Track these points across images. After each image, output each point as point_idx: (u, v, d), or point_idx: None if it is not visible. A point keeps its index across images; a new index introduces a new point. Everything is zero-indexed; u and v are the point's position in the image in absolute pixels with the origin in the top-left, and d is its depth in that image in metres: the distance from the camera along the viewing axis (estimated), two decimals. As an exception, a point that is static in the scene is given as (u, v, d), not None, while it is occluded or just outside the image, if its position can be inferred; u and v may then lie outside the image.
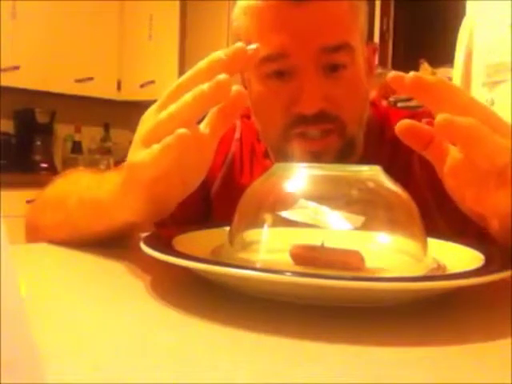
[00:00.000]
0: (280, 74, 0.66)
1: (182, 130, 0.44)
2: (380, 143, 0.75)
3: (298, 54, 0.64)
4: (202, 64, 0.47)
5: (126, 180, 0.50)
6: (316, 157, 0.66)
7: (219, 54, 0.46)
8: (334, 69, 0.65)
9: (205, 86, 0.44)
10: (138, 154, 0.48)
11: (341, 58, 0.65)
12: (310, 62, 0.64)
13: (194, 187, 0.52)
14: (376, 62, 0.76)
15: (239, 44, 0.47)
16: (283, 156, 0.69)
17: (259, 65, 0.66)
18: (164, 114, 0.46)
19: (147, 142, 0.47)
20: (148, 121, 0.48)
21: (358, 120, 0.69)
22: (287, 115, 0.66)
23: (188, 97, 0.45)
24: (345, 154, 0.68)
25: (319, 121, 0.65)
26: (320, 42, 0.64)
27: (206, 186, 0.53)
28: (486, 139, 0.41)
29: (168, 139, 0.44)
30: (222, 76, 0.44)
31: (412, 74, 0.43)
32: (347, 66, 0.66)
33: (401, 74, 0.44)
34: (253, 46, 0.47)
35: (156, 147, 0.45)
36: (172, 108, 0.46)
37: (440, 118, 0.40)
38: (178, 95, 0.46)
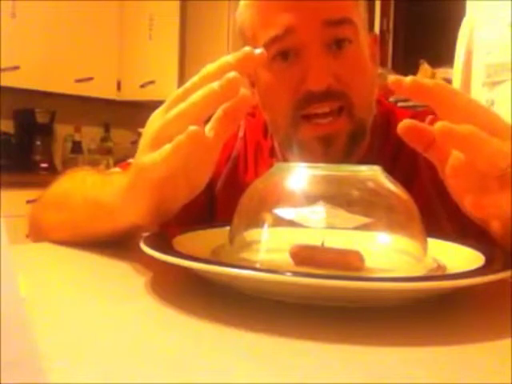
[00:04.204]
0: (285, 56, 0.66)
1: (193, 128, 0.44)
2: (385, 141, 0.75)
3: (302, 31, 0.64)
4: (210, 68, 0.47)
5: (134, 182, 0.51)
6: (326, 141, 0.66)
7: (228, 58, 0.47)
8: (339, 45, 0.66)
9: (215, 84, 0.45)
10: (147, 155, 0.48)
11: (344, 32, 0.66)
12: (315, 37, 0.64)
13: (199, 190, 0.53)
14: (378, 51, 0.76)
15: (247, 48, 0.47)
16: (291, 145, 0.69)
17: (265, 49, 0.66)
18: (172, 113, 0.47)
19: (156, 143, 0.47)
20: (155, 123, 0.48)
21: (365, 101, 0.69)
22: (295, 95, 0.66)
23: (197, 95, 0.45)
24: (354, 138, 0.67)
25: (327, 98, 0.65)
26: (323, 17, 0.64)
27: (209, 184, 0.53)
28: (484, 145, 0.40)
29: (179, 138, 0.44)
30: (232, 73, 0.44)
31: (410, 78, 0.43)
32: (352, 40, 0.66)
33: (400, 77, 0.44)
34: (259, 50, 0.48)
35: (167, 147, 0.45)
36: (180, 107, 0.46)
37: (438, 126, 0.40)
38: (186, 97, 0.46)
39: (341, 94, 0.66)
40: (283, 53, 0.66)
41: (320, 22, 0.64)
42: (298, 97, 0.66)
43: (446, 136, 0.40)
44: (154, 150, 0.47)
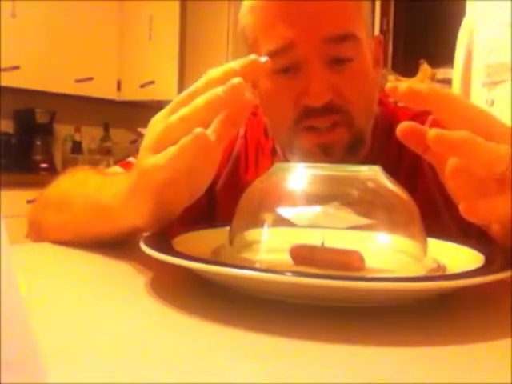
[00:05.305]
0: (286, 71, 0.66)
1: (198, 130, 0.44)
2: (387, 141, 0.75)
3: (303, 46, 0.64)
4: (214, 73, 0.47)
5: (136, 184, 0.50)
6: (325, 149, 0.66)
7: (232, 65, 0.47)
8: (339, 62, 0.65)
9: (219, 90, 0.45)
10: (150, 158, 0.47)
11: (346, 51, 0.65)
12: (316, 53, 0.64)
13: (200, 193, 0.53)
14: (382, 54, 0.75)
15: (252, 56, 0.47)
16: (292, 151, 0.69)
17: None
18: (175, 116, 0.46)
19: (158, 146, 0.47)
20: (156, 127, 0.48)
21: (365, 113, 0.68)
22: (295, 109, 0.66)
23: (201, 100, 0.45)
24: (353, 147, 0.67)
25: (327, 112, 0.65)
26: (324, 33, 0.64)
27: (210, 184, 0.53)
28: (479, 150, 0.40)
29: (184, 140, 0.44)
30: (237, 80, 0.44)
31: (405, 84, 0.43)
32: (353, 59, 0.65)
33: (396, 84, 0.44)
34: (264, 59, 0.47)
35: (172, 149, 0.45)
36: (183, 111, 0.46)
37: (430, 134, 0.40)
38: (189, 101, 0.46)
39: (341, 109, 0.65)
40: (283, 68, 0.66)
41: (321, 37, 0.64)
42: (298, 111, 0.66)
43: (439, 144, 0.40)
44: (157, 152, 0.47)
